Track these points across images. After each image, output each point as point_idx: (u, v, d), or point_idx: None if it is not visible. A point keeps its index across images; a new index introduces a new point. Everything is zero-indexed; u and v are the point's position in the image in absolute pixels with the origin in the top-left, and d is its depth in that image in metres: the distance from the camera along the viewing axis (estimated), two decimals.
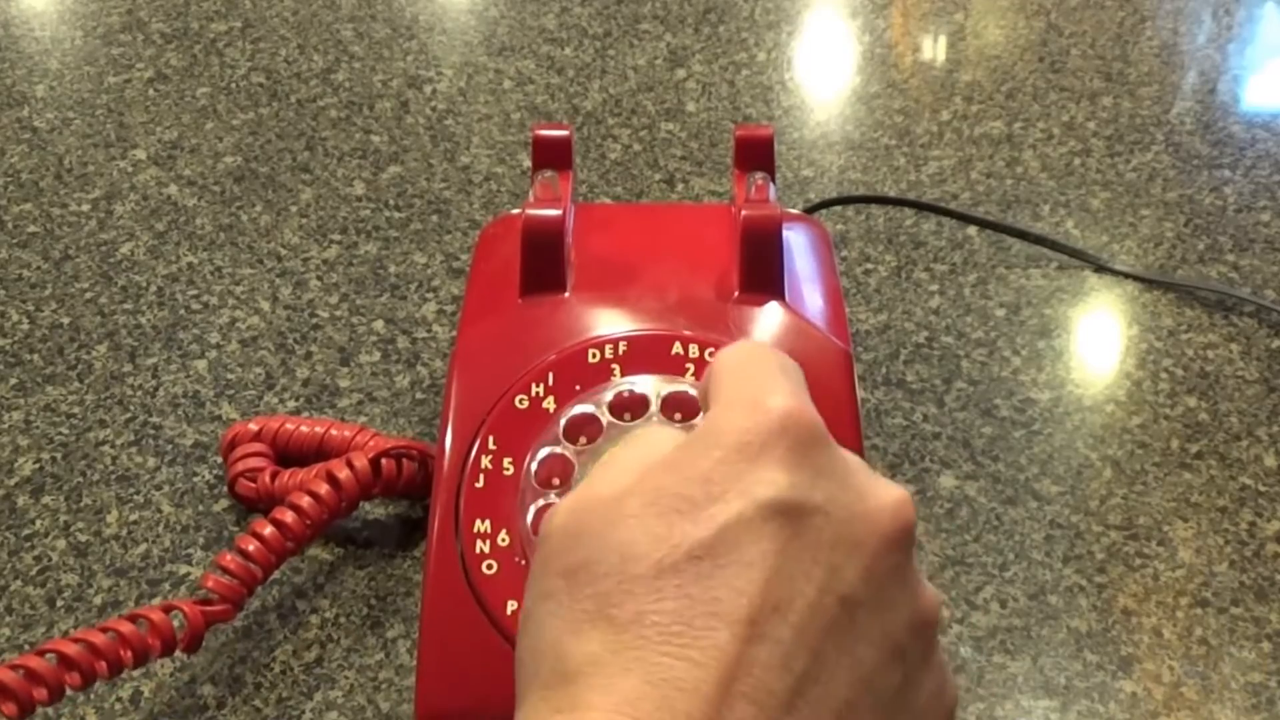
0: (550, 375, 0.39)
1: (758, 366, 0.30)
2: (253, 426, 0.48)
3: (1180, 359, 0.55)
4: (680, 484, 0.27)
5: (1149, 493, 0.49)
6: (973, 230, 0.62)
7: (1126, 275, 0.59)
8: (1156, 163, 0.67)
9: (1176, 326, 0.57)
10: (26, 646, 0.43)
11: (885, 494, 0.28)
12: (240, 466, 0.47)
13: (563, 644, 0.26)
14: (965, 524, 0.48)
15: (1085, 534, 0.48)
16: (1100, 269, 0.60)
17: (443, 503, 0.38)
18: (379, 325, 0.56)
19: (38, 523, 0.48)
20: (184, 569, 0.46)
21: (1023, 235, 0.61)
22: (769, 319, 0.42)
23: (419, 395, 0.53)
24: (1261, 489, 0.49)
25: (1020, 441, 0.51)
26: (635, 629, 0.25)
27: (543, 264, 0.42)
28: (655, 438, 0.30)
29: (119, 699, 0.42)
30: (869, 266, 0.60)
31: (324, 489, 0.43)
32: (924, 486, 0.49)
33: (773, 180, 0.45)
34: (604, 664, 0.25)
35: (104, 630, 0.38)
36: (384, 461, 0.45)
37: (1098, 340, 0.57)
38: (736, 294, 0.42)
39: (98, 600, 0.45)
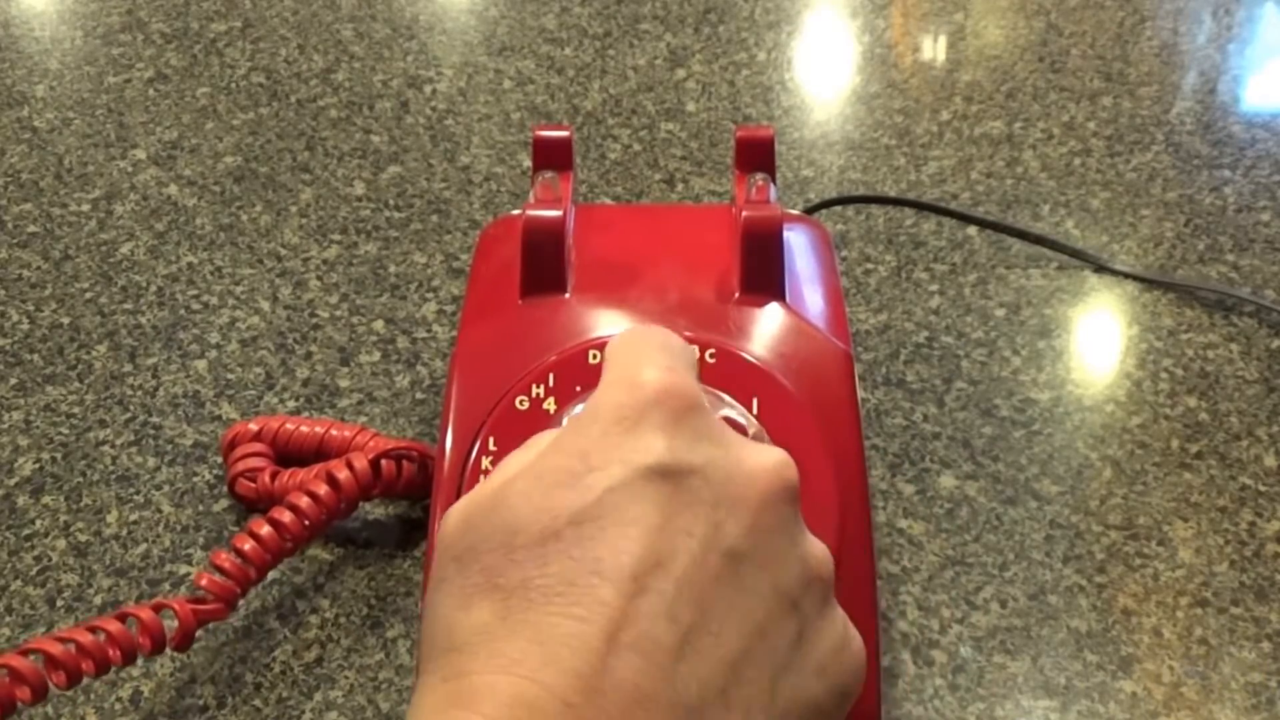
0: (551, 376, 0.39)
1: (638, 347, 0.31)
2: (253, 426, 0.48)
3: (1180, 359, 0.55)
4: (562, 459, 0.28)
5: (1149, 493, 0.49)
6: (973, 230, 0.62)
7: (1127, 275, 0.59)
8: (1156, 163, 0.67)
9: (1176, 326, 0.57)
10: None
11: (765, 455, 0.29)
12: (240, 466, 0.47)
13: (453, 620, 0.27)
14: (965, 524, 0.48)
15: (1085, 534, 0.48)
16: (1100, 269, 0.60)
17: (443, 504, 0.38)
18: (379, 325, 0.56)
19: (38, 523, 0.48)
20: (184, 569, 0.46)
21: (1022, 235, 0.61)
22: (769, 320, 0.42)
23: (419, 395, 0.53)
24: (1261, 489, 0.49)
25: (1020, 441, 0.51)
26: (521, 594, 0.26)
27: (543, 265, 0.42)
28: (545, 437, 0.30)
29: (119, 699, 0.42)
30: (869, 266, 0.60)
31: (323, 490, 0.43)
32: (924, 486, 0.49)
33: (773, 181, 0.45)
34: (492, 632, 0.26)
35: (91, 629, 0.38)
36: (384, 462, 0.45)
37: (1098, 340, 0.57)
38: (737, 295, 0.42)
39: (98, 600, 0.45)
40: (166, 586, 0.45)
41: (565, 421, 0.38)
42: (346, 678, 0.43)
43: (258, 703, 0.42)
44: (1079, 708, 0.42)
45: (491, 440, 0.39)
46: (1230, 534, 0.48)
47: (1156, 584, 0.46)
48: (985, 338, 0.56)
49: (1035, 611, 0.45)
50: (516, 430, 0.39)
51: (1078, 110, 0.71)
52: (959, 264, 0.60)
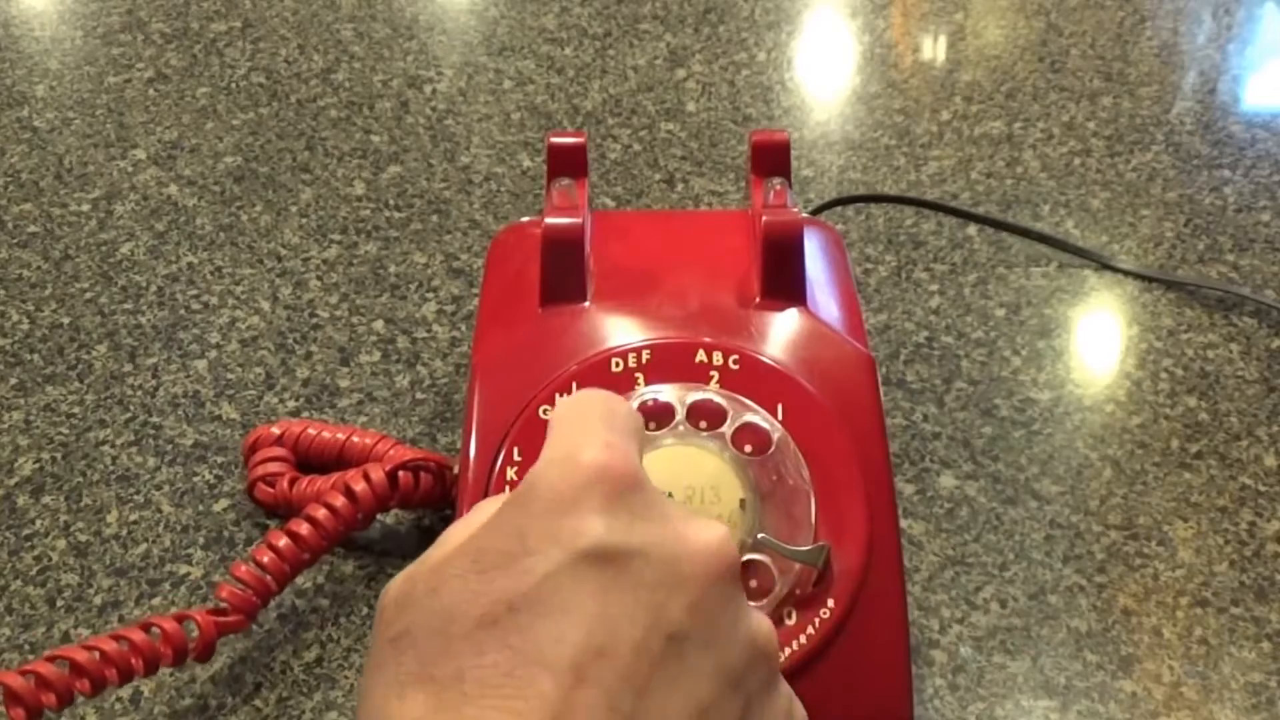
0: (574, 385, 0.39)
1: (581, 417, 0.30)
2: (274, 430, 0.48)
3: (1180, 359, 0.55)
4: (499, 540, 0.27)
5: (1149, 493, 0.49)
6: (973, 230, 0.62)
7: (1132, 274, 0.59)
8: (1156, 163, 0.67)
9: (1176, 326, 0.57)
10: (27, 646, 0.43)
11: (706, 532, 0.29)
12: (260, 471, 0.47)
13: (388, 709, 0.26)
14: (965, 524, 0.48)
15: (1085, 534, 0.48)
16: (1104, 267, 0.60)
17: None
18: (379, 325, 0.56)
19: (38, 523, 0.48)
20: (184, 569, 0.46)
21: (1026, 233, 0.61)
22: (791, 325, 0.42)
23: (419, 395, 0.53)
24: (1261, 489, 0.49)
25: (1020, 441, 0.51)
26: (457, 686, 0.25)
27: (563, 273, 0.42)
28: (487, 507, 0.30)
29: (119, 699, 0.42)
30: (869, 266, 0.60)
31: (340, 502, 0.43)
32: (924, 486, 0.49)
33: (790, 184, 0.45)
34: None
35: (116, 638, 0.38)
36: (401, 474, 0.45)
37: (1098, 340, 0.57)
38: (758, 300, 0.42)
39: (98, 600, 0.45)
40: (166, 587, 0.45)
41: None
42: (346, 678, 0.43)
43: (258, 703, 0.42)
44: (1079, 708, 0.42)
45: (516, 450, 0.38)
46: (1230, 534, 0.48)
47: (1156, 584, 0.46)
48: (985, 338, 0.56)
49: (1035, 611, 0.45)
50: (540, 439, 0.38)
51: (1078, 110, 0.71)
52: (959, 264, 0.60)
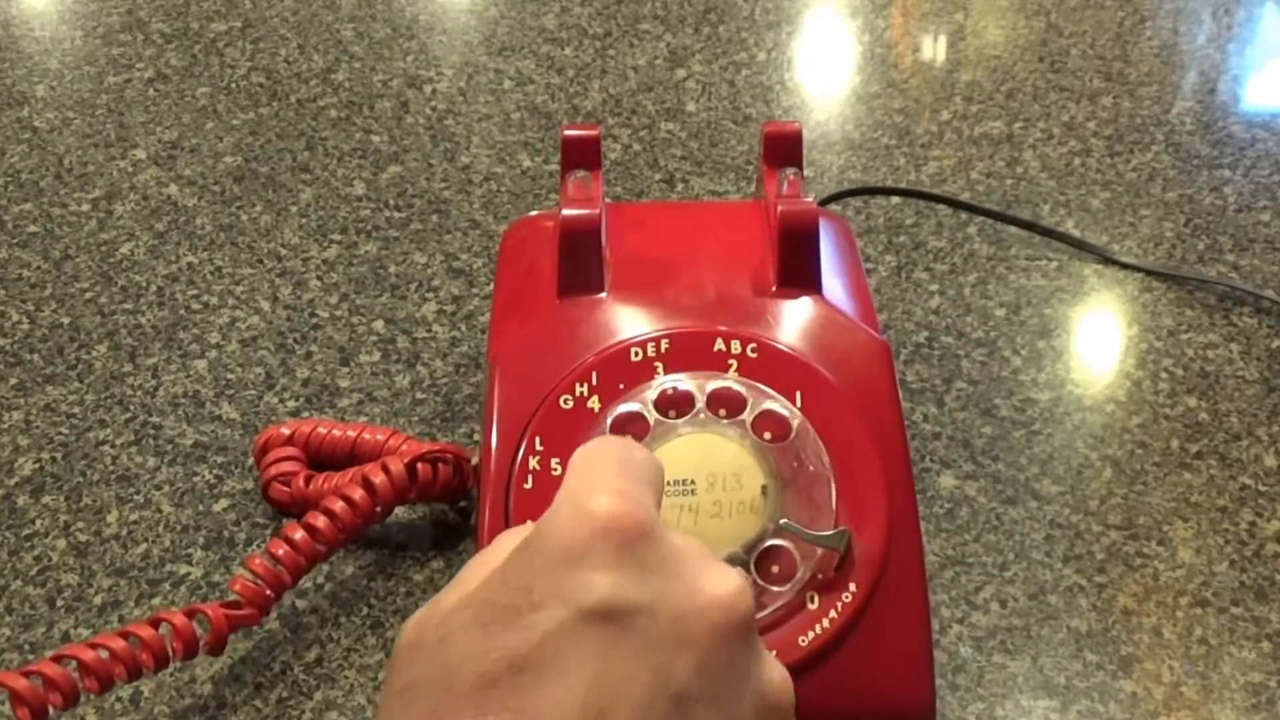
0: (594, 375, 0.39)
1: (596, 464, 0.30)
2: (284, 430, 0.48)
3: (1180, 359, 0.55)
4: (505, 594, 0.27)
5: (1149, 493, 0.49)
6: (973, 230, 0.62)
7: (1135, 268, 0.59)
8: (1156, 163, 0.67)
9: (1176, 326, 0.57)
10: (27, 646, 0.43)
11: (718, 586, 0.28)
12: (274, 471, 0.47)
13: None
14: (965, 524, 0.48)
15: (1085, 534, 0.48)
16: (1108, 261, 0.60)
17: (491, 504, 0.38)
18: (379, 325, 0.56)
19: (38, 523, 0.48)
20: (184, 569, 0.46)
21: (1030, 226, 0.61)
22: (808, 313, 0.42)
23: (419, 395, 0.53)
24: (1261, 489, 0.49)
25: (1020, 441, 0.51)
26: None
27: (581, 264, 0.42)
28: (507, 541, 0.29)
29: (119, 699, 0.42)
30: (869, 266, 0.60)
31: (358, 494, 0.43)
32: (924, 486, 0.49)
33: (802, 175, 0.45)
34: None
35: (124, 635, 0.38)
36: (420, 466, 0.44)
37: (1097, 340, 0.57)
38: (774, 289, 0.42)
39: (98, 600, 0.45)
40: (166, 587, 0.45)
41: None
42: (346, 678, 0.43)
43: (258, 703, 0.42)
44: (1079, 708, 0.42)
45: (538, 440, 0.38)
46: (1230, 534, 0.48)
47: (1156, 584, 0.46)
48: (985, 338, 0.56)
49: (1035, 611, 0.45)
50: (562, 429, 0.39)
51: (1078, 110, 0.71)
52: (959, 264, 0.60)
